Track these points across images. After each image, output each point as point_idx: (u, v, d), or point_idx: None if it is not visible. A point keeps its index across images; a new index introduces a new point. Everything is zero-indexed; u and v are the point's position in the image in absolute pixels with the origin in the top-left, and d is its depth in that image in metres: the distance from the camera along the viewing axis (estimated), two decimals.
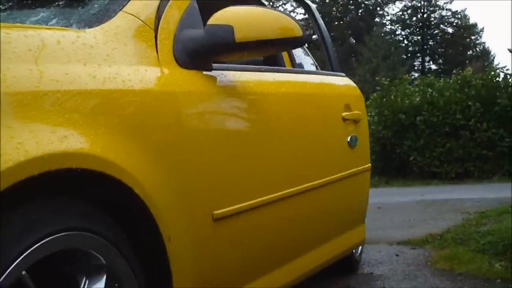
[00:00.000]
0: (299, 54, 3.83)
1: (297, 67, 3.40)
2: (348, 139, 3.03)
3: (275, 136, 2.33)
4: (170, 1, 2.05)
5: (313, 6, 3.52)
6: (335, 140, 2.97)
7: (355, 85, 3.48)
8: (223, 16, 1.97)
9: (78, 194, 1.45)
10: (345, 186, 3.02)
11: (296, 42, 2.09)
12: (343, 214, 3.11)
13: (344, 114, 3.04)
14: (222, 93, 2.06)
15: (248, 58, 2.26)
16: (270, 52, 2.31)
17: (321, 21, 3.48)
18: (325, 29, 3.50)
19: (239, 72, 2.21)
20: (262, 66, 2.58)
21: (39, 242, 1.29)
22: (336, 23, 45.01)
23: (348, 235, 3.20)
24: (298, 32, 2.04)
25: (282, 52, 3.28)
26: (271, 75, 2.51)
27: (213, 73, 2.04)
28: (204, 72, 2.00)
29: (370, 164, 3.45)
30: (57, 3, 2.23)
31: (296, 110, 2.58)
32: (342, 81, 3.37)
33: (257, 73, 2.40)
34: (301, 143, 2.56)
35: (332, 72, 3.38)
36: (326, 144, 2.86)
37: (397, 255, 4.29)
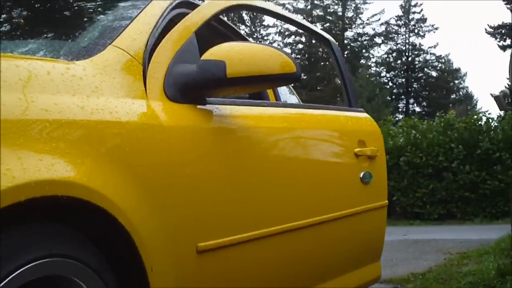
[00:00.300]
0: (284, 92, 3.86)
1: None
2: (361, 175, 2.98)
3: (271, 171, 2.31)
4: (166, 37, 2.07)
5: (333, 41, 3.49)
6: (345, 175, 2.91)
7: (373, 121, 3.41)
8: (217, 51, 1.99)
9: (64, 221, 1.47)
10: (357, 222, 2.96)
11: (290, 78, 2.07)
12: (354, 250, 3.03)
13: (357, 150, 2.98)
14: (216, 127, 2.07)
15: (241, 94, 2.27)
16: (263, 87, 2.32)
17: (340, 56, 3.45)
18: (345, 64, 3.46)
19: (236, 106, 2.21)
20: (264, 101, 2.58)
21: (23, 267, 1.31)
22: (322, 63, 45.50)
23: (361, 272, 3.12)
24: (291, 68, 2.03)
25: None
26: (271, 109, 2.52)
27: (208, 107, 2.06)
28: (198, 106, 2.02)
29: (386, 201, 3.36)
30: (48, 34, 2.27)
31: (298, 145, 2.57)
32: (358, 116, 3.31)
33: (257, 107, 2.40)
34: (303, 178, 2.52)
35: (348, 108, 3.34)
36: (334, 180, 2.80)
37: None
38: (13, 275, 1.28)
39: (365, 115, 3.39)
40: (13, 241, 1.31)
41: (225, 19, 2.98)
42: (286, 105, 2.96)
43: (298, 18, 3.20)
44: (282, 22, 46.63)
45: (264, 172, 2.26)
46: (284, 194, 2.38)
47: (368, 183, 3.02)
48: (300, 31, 46.88)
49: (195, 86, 1.99)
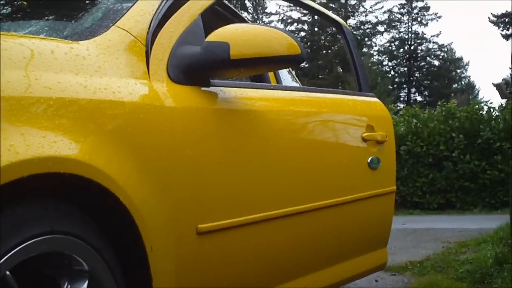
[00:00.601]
0: (286, 78, 3.86)
1: None
2: (369, 160, 2.97)
3: (276, 154, 2.30)
4: (171, 18, 2.07)
5: (345, 24, 3.48)
6: (352, 160, 2.89)
7: (383, 106, 3.38)
8: (221, 33, 1.99)
9: (66, 199, 1.48)
10: (364, 207, 2.95)
11: (294, 60, 2.06)
12: (360, 235, 3.02)
13: (365, 134, 2.97)
14: (220, 108, 2.07)
15: (246, 75, 2.26)
16: (267, 69, 2.30)
17: (352, 40, 3.43)
18: (356, 48, 3.44)
19: (241, 89, 2.21)
20: (270, 84, 2.55)
21: (25, 243, 1.32)
22: (324, 51, 45.40)
23: (367, 257, 3.11)
24: (296, 50, 2.02)
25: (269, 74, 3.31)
26: (277, 92, 2.52)
27: (212, 89, 2.06)
28: (202, 88, 2.02)
29: (395, 187, 3.34)
30: (52, 16, 2.27)
31: (304, 128, 2.56)
32: (368, 101, 3.29)
33: (263, 90, 2.40)
34: (307, 161, 2.51)
35: (358, 92, 3.32)
36: (341, 164, 2.79)
37: (376, 281, 4.33)
38: (15, 250, 1.30)
39: (375, 99, 3.36)
40: (16, 216, 1.33)
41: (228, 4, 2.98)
42: (293, 88, 2.94)
43: (309, 1, 3.18)
44: (284, 10, 46.56)
45: (268, 155, 2.26)
46: (288, 177, 2.38)
47: (376, 168, 3.01)
48: (303, 18, 46.55)
49: (198, 68, 1.99)
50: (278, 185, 2.31)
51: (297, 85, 4.05)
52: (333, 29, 46.38)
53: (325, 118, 2.77)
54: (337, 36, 46.33)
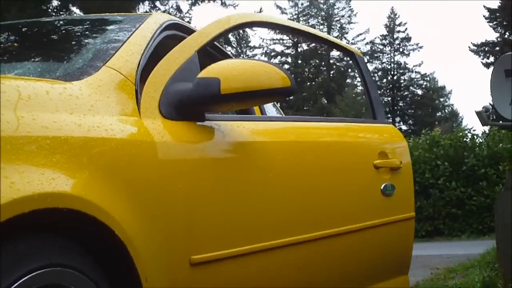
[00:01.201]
0: (271, 111, 3.92)
1: None
2: (382, 187, 2.95)
3: (278, 184, 2.33)
4: (165, 57, 2.14)
5: (358, 52, 3.49)
6: (362, 187, 2.90)
7: (398, 132, 3.39)
8: (212, 69, 2.05)
9: (63, 233, 1.54)
10: (379, 234, 2.95)
11: (285, 93, 2.09)
12: (376, 262, 3.00)
13: (376, 161, 2.96)
14: (215, 142, 2.13)
15: (237, 109, 2.32)
16: (259, 102, 2.35)
17: (365, 68, 3.43)
18: (370, 76, 3.44)
19: (238, 122, 2.26)
20: (267, 116, 2.59)
21: (25, 276, 1.37)
22: (308, 83, 45.78)
23: (386, 284, 3.07)
24: (286, 82, 2.06)
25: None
26: (274, 123, 2.58)
27: (207, 123, 2.11)
28: (198, 123, 2.08)
29: (413, 213, 3.27)
30: (45, 57, 2.35)
31: (306, 158, 2.57)
32: (381, 128, 3.29)
33: (260, 122, 2.45)
34: (311, 191, 2.52)
35: (370, 120, 3.33)
36: (349, 192, 2.80)
37: None
38: (17, 283, 1.35)
39: (390, 126, 3.38)
40: (17, 251, 1.38)
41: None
42: (291, 118, 3.00)
43: (322, 33, 3.20)
44: (268, 43, 46.85)
45: (268, 185, 2.30)
46: (290, 207, 2.40)
47: (390, 195, 2.99)
48: (286, 51, 46.76)
49: (190, 103, 2.05)
50: (280, 215, 2.33)
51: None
52: (317, 61, 46.93)
53: (332, 147, 2.80)
54: (321, 68, 46.78)
